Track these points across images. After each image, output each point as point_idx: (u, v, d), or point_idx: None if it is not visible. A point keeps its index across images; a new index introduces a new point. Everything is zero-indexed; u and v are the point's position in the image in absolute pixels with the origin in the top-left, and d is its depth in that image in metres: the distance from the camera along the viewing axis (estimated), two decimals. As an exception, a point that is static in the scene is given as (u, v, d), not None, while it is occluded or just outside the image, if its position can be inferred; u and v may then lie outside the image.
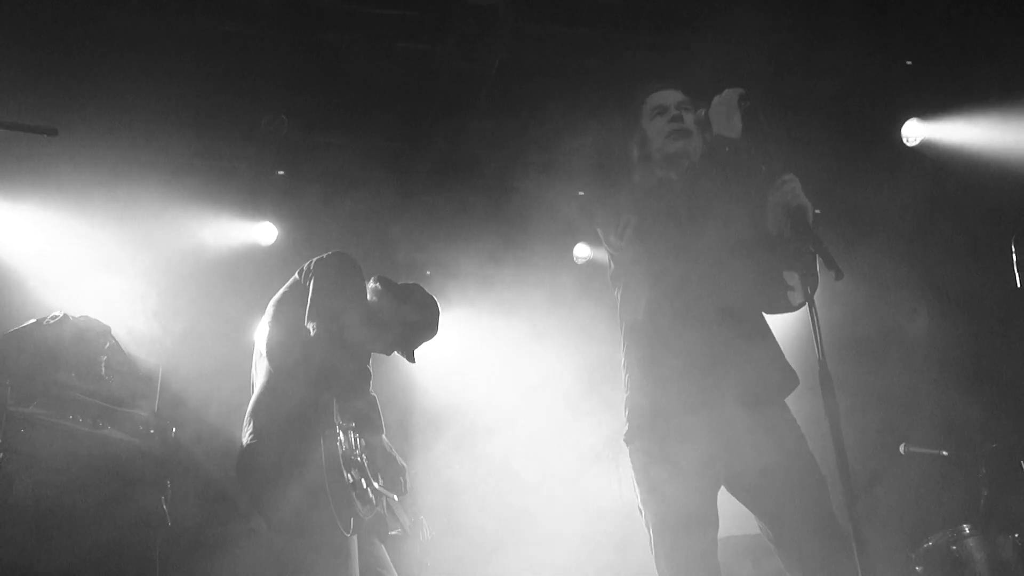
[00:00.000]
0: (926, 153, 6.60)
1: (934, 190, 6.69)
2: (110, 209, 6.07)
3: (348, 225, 7.12)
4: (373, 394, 4.33)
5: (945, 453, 5.45)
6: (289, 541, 3.66)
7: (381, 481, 4.16)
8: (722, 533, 3.28)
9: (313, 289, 3.95)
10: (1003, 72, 6.16)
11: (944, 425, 5.93)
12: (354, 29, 6.21)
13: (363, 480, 3.90)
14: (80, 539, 4.50)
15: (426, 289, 4.55)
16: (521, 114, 6.78)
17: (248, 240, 7.10)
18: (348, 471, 3.74)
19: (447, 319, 4.65)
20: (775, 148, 3.33)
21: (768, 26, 6.27)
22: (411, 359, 4.47)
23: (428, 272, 7.47)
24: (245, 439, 3.84)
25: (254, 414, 3.87)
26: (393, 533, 4.16)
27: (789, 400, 3.45)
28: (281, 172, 7.04)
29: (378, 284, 4.43)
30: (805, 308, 3.02)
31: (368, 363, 4.33)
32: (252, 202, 7.05)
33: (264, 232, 7.14)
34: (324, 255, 4.17)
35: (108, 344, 5.02)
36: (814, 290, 3.08)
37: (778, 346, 3.48)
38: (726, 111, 3.30)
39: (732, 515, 3.39)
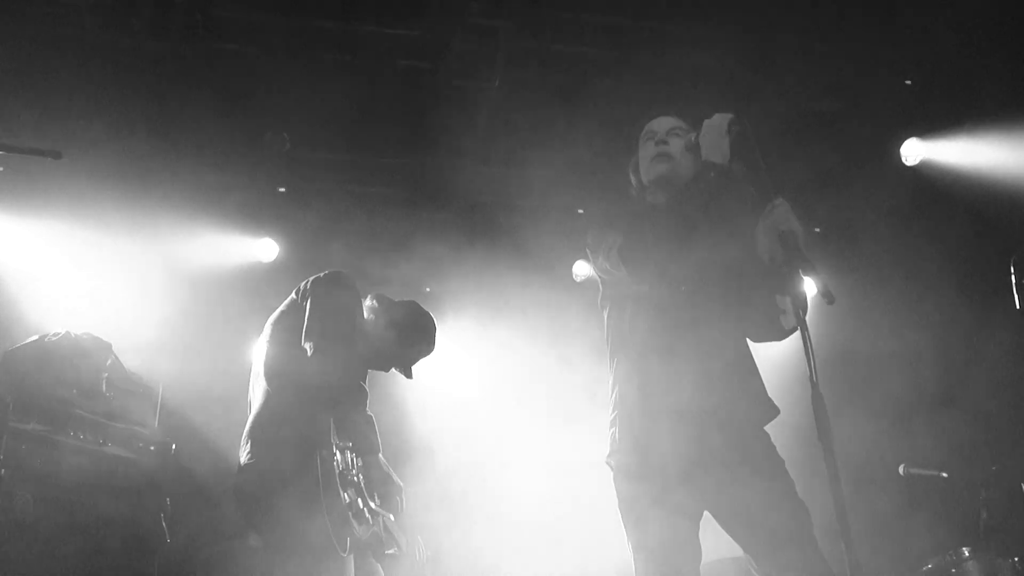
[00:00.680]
0: (925, 173, 6.60)
1: (933, 210, 6.70)
2: (112, 226, 6.11)
3: (349, 242, 7.16)
4: (370, 413, 4.36)
5: (945, 475, 5.43)
6: (285, 560, 3.67)
7: (377, 500, 4.18)
8: (708, 556, 3.29)
9: (310, 309, 3.99)
10: (1003, 91, 6.17)
11: (943, 447, 5.93)
12: (356, 48, 6.27)
13: (359, 500, 3.93)
14: (80, 556, 4.52)
15: (423, 306, 4.59)
16: (522, 132, 6.81)
17: (249, 257, 7.13)
18: (344, 491, 3.76)
19: (445, 336, 4.68)
20: (765, 173, 3.34)
21: (768, 46, 6.32)
22: (408, 375, 4.50)
23: (428, 289, 7.50)
24: (243, 458, 3.87)
25: (251, 434, 3.90)
26: (389, 552, 4.18)
27: (782, 425, 3.46)
28: (283, 189, 7.07)
29: (374, 301, 4.47)
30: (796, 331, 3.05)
31: (365, 382, 4.36)
32: (253, 219, 7.08)
33: (265, 249, 7.17)
34: (320, 274, 4.21)
35: (109, 361, 5.06)
36: (805, 313, 3.10)
37: (759, 374, 3.50)
38: (716, 136, 3.33)
39: (719, 539, 3.39)
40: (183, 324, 6.09)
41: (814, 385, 2.90)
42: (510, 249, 7.28)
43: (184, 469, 5.17)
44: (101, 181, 6.10)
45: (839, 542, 2.72)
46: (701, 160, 3.37)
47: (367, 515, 3.96)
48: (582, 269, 7.77)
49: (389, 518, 4.25)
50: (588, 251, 3.61)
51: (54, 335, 4.90)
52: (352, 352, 4.06)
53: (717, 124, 3.35)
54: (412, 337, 4.42)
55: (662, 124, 3.59)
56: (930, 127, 6.57)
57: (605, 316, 3.59)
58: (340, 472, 3.77)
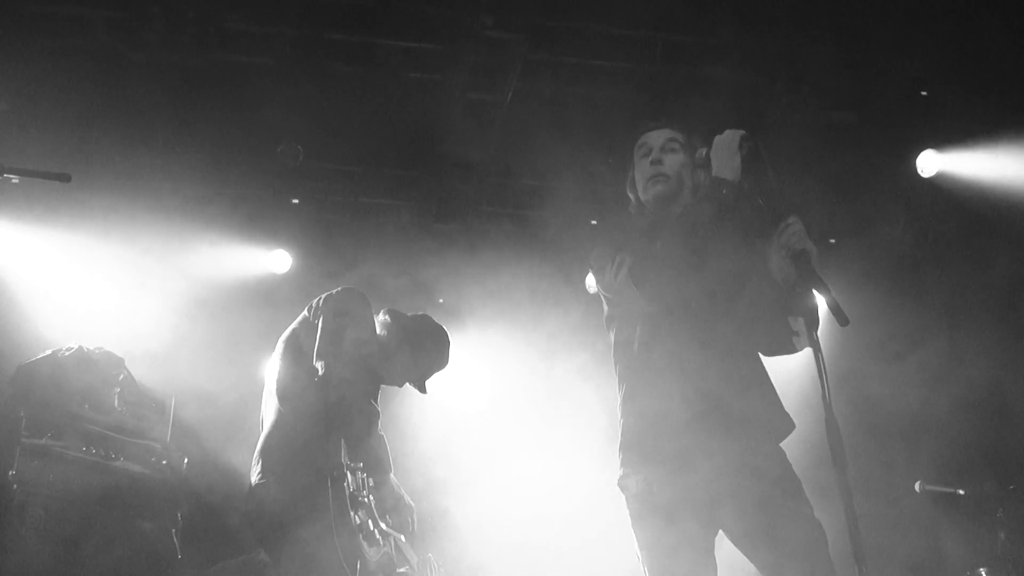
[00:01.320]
0: (941, 185, 6.54)
1: (949, 222, 6.64)
2: (124, 239, 6.12)
3: (361, 253, 7.15)
4: (381, 433, 4.34)
5: (962, 492, 5.37)
6: (295, 578, 3.66)
7: (389, 521, 4.16)
8: (723, 572, 3.27)
9: (321, 327, 3.97)
10: (1020, 103, 6.12)
11: (961, 464, 5.87)
12: (369, 60, 6.28)
13: (370, 521, 3.91)
14: (91, 570, 4.53)
15: (435, 319, 4.57)
16: (534, 144, 6.80)
17: (262, 268, 7.14)
18: (355, 512, 3.74)
19: (458, 348, 4.65)
20: (777, 191, 3.30)
21: (783, 57, 6.29)
22: (422, 390, 4.48)
23: (441, 300, 7.47)
24: (254, 478, 3.85)
25: (263, 453, 3.89)
26: (401, 571, 4.16)
27: (793, 441, 3.43)
28: (296, 201, 7.08)
29: (387, 317, 4.45)
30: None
31: (376, 401, 4.34)
32: (267, 230, 7.09)
33: (278, 260, 7.17)
34: (333, 291, 4.19)
35: (122, 376, 5.08)
36: (817, 332, 3.07)
37: (774, 389, 3.46)
38: (727, 152, 3.28)
39: (730, 555, 3.36)
40: (196, 337, 6.10)
41: (828, 408, 2.87)
42: (522, 261, 7.26)
43: (196, 484, 5.17)
44: (114, 193, 6.12)
45: (851, 563, 2.70)
46: (711, 176, 3.32)
47: (378, 536, 3.95)
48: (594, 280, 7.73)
49: (400, 539, 4.23)
50: (593, 270, 3.57)
51: (67, 350, 4.92)
52: (364, 372, 4.05)
53: (728, 141, 3.30)
54: (426, 352, 4.41)
55: (656, 138, 3.52)
56: (947, 139, 6.51)
57: (612, 336, 3.55)
58: (351, 493, 3.76)
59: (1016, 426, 6.02)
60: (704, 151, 3.38)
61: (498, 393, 7.50)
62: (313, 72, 6.19)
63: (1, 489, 4.42)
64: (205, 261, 6.70)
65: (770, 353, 3.49)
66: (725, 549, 3.30)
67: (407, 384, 4.50)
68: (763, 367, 3.47)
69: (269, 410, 4.00)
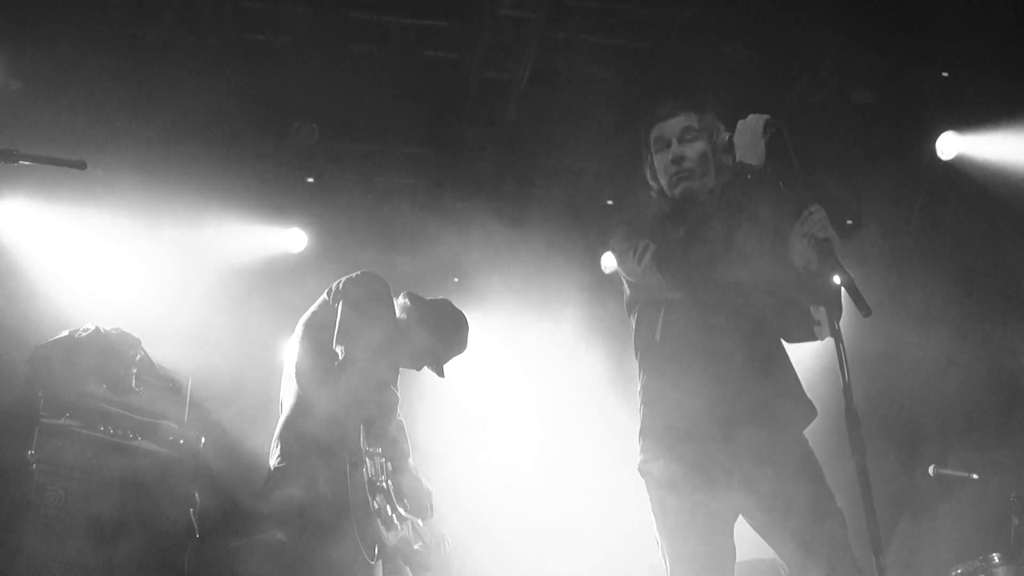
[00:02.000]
0: (961, 168, 6.47)
1: (967, 206, 6.58)
2: (140, 218, 6.12)
3: (377, 232, 7.15)
4: (400, 418, 4.34)
5: (975, 476, 5.35)
6: (314, 566, 3.67)
7: (408, 505, 4.18)
8: (741, 556, 3.28)
9: (341, 311, 3.97)
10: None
11: (975, 449, 5.85)
12: (385, 39, 6.25)
13: (388, 506, 3.92)
14: (110, 550, 4.56)
15: (452, 301, 4.56)
16: (551, 123, 6.77)
17: (278, 247, 7.13)
18: (373, 497, 3.75)
19: (474, 328, 4.64)
20: (801, 177, 3.27)
21: (801, 35, 6.23)
22: (441, 374, 4.48)
23: (456, 279, 7.47)
24: (273, 461, 3.87)
25: (282, 437, 3.90)
26: (416, 547, 4.18)
27: (812, 430, 3.42)
28: (311, 179, 7.07)
29: (407, 300, 4.45)
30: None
31: (396, 386, 4.34)
32: (282, 209, 7.08)
33: (294, 239, 7.16)
34: (353, 275, 4.18)
35: (139, 356, 5.08)
36: (839, 321, 3.06)
37: (797, 376, 3.46)
38: (750, 138, 3.24)
39: (753, 539, 3.36)
40: (212, 316, 6.09)
41: (848, 400, 2.86)
42: (538, 240, 7.24)
43: (213, 463, 5.19)
44: (129, 173, 6.11)
45: (866, 547, 2.70)
46: (734, 161, 3.29)
47: (395, 521, 3.96)
48: (611, 261, 7.71)
49: (418, 523, 4.25)
50: (615, 255, 3.55)
51: (83, 330, 4.93)
52: (383, 356, 4.04)
53: (753, 125, 3.27)
54: (445, 336, 4.41)
55: (672, 128, 3.45)
56: (967, 121, 6.43)
57: (633, 321, 3.54)
58: (370, 479, 3.77)
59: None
60: (727, 136, 3.35)
61: (511, 370, 7.50)
62: (329, 51, 6.17)
63: (20, 469, 4.44)
64: (220, 240, 6.68)
65: (792, 340, 3.48)
66: (741, 533, 3.31)
67: (425, 368, 4.50)
68: (786, 354, 3.47)
69: (288, 394, 4.00)
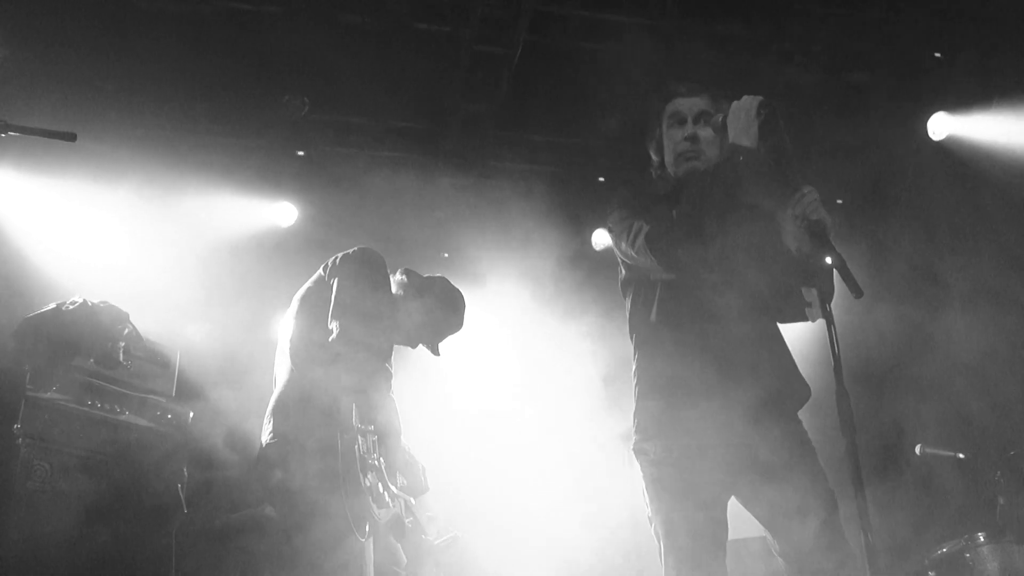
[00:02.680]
0: (951, 148, 6.47)
1: (958, 186, 6.58)
2: (129, 191, 6.06)
3: (367, 206, 7.09)
4: (392, 396, 4.33)
5: (962, 456, 5.39)
6: (303, 542, 3.66)
7: (401, 481, 4.17)
8: (733, 535, 3.28)
9: (337, 287, 3.94)
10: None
11: (960, 429, 5.88)
12: (376, 10, 6.19)
13: (379, 484, 3.91)
14: (97, 524, 4.55)
15: (447, 277, 4.53)
16: (543, 98, 6.73)
17: (268, 221, 7.09)
18: (365, 475, 3.74)
19: (468, 304, 4.61)
20: (793, 159, 3.26)
21: (796, 15, 6.20)
22: (436, 352, 4.47)
23: (446, 254, 7.44)
24: (265, 437, 3.84)
25: (275, 412, 3.87)
26: (408, 521, 4.19)
27: (808, 410, 3.43)
28: (301, 153, 7.01)
29: (404, 276, 4.43)
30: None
31: (390, 363, 4.33)
32: (272, 183, 7.03)
33: (284, 213, 7.12)
34: (350, 251, 4.14)
35: (126, 330, 5.05)
36: (831, 302, 3.06)
37: (791, 357, 3.46)
38: (744, 119, 3.23)
39: (745, 518, 3.38)
40: (200, 290, 6.05)
41: (839, 382, 2.87)
42: (529, 215, 7.21)
43: (201, 438, 5.17)
44: (118, 144, 6.06)
45: (854, 525, 2.72)
46: (728, 142, 3.28)
47: (387, 499, 3.95)
48: (602, 238, 7.70)
49: (410, 501, 4.25)
50: (610, 234, 3.54)
51: (71, 303, 4.89)
52: (378, 333, 4.02)
53: (747, 106, 3.26)
54: (442, 314, 4.39)
55: (690, 107, 3.47)
56: (958, 101, 6.42)
57: (628, 302, 3.54)
58: (361, 455, 3.75)
59: (1015, 391, 6.03)
60: (721, 117, 3.33)
61: (501, 346, 7.48)
62: (320, 22, 6.10)
63: (7, 443, 4.42)
64: (210, 213, 6.63)
65: (784, 321, 3.49)
66: (731, 511, 3.32)
67: (420, 346, 4.48)
68: (780, 334, 3.48)
69: (282, 369, 3.98)
